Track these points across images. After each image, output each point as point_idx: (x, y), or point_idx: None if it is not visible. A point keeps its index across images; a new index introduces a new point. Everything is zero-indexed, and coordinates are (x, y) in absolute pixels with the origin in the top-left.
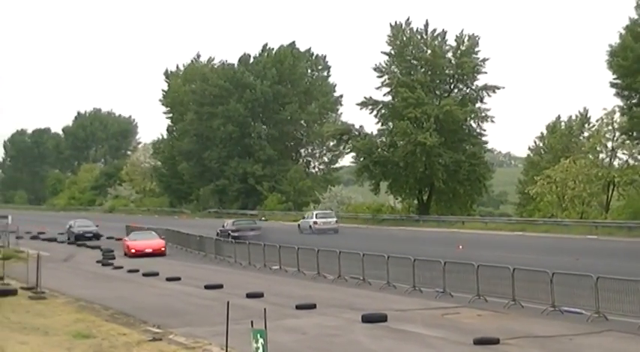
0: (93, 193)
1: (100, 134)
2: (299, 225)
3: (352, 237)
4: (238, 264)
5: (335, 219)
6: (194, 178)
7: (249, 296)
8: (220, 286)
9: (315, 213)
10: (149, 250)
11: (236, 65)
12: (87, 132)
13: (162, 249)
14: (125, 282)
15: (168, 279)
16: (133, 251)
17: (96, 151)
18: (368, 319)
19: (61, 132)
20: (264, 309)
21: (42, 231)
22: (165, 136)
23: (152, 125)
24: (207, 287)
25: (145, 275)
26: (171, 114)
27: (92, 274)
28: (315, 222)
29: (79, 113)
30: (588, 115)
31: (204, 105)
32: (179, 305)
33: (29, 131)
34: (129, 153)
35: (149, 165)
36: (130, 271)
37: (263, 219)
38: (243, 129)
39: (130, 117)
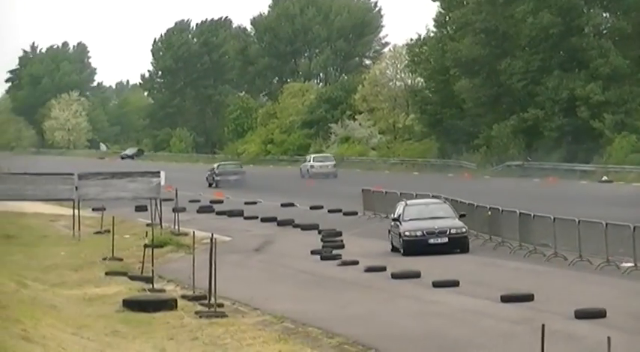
0: (305, 133)
1: (318, 29)
2: (300, 169)
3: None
4: (561, 258)
5: (333, 163)
6: (482, 107)
7: (581, 315)
8: (529, 298)
9: (312, 156)
10: None
11: None
12: (294, 25)
13: None
14: (363, 289)
15: (437, 285)
16: None
17: (310, 59)
18: None
19: (248, 26)
20: (608, 339)
21: (218, 198)
22: (430, 33)
23: (406, 14)
24: (504, 299)
25: (395, 277)
26: None
27: (305, 274)
28: (312, 166)
29: None
30: None
31: None
32: (458, 331)
33: (193, 24)
34: (367, 62)
35: (402, 85)
36: (369, 270)
37: (604, 179)
38: (568, 21)
39: (369, 0)
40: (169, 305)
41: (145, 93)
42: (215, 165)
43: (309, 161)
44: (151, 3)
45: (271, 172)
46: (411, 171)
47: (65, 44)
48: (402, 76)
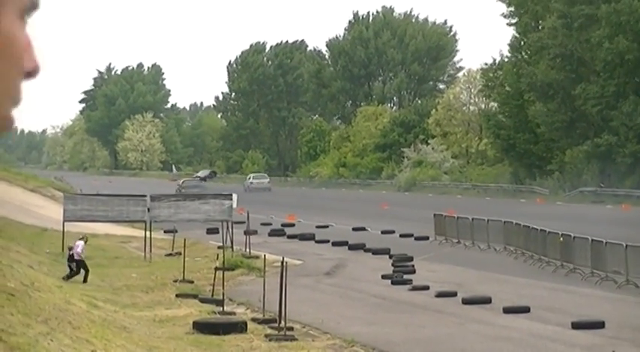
0: (378, 156)
1: (392, 52)
2: (243, 184)
3: None
4: (632, 286)
5: (267, 180)
6: (556, 132)
7: None
8: (599, 324)
9: (252, 175)
10: None
11: None
12: (369, 48)
13: None
14: (434, 314)
15: (508, 311)
16: None
17: (384, 83)
18: None
19: (323, 49)
20: None
21: (290, 221)
22: (505, 57)
23: (481, 38)
24: (575, 325)
25: (467, 302)
26: (516, 19)
27: (376, 298)
28: (251, 183)
29: (355, 16)
30: None
31: (577, 3)
32: None
33: (269, 46)
34: (441, 86)
35: (476, 109)
36: (440, 295)
37: None
38: None
39: (445, 23)
40: (239, 327)
41: (219, 115)
42: (181, 181)
43: (250, 179)
44: (225, 25)
45: (343, 195)
46: (483, 196)
47: (140, 65)
48: (476, 100)
